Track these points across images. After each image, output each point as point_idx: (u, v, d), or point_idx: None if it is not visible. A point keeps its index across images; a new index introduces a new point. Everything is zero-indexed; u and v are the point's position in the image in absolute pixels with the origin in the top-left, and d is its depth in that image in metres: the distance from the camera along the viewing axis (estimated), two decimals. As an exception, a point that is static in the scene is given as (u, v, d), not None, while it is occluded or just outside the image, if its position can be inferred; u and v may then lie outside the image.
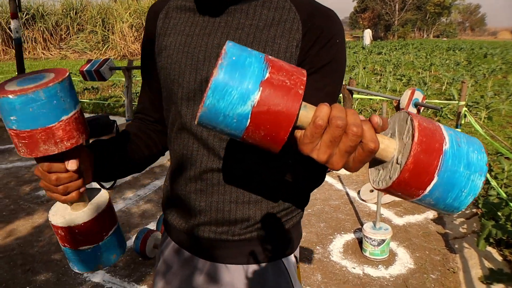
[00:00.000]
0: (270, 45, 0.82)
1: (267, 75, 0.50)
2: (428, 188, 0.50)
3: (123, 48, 20.65)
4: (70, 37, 22.86)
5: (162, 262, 1.05)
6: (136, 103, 1.09)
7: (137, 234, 2.79)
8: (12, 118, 0.63)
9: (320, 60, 0.82)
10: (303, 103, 0.53)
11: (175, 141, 0.94)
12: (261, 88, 0.49)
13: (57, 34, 22.75)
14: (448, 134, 0.52)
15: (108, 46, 21.26)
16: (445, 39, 49.67)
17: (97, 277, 2.63)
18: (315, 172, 0.85)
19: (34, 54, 21.62)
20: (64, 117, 0.67)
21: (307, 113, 0.53)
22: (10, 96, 0.61)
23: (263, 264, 0.94)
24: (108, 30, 21.97)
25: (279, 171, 0.89)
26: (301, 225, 1.03)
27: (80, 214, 0.78)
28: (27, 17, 21.44)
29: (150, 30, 0.96)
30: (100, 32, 21.90)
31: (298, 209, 0.98)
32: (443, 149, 0.49)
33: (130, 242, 3.02)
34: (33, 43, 21.88)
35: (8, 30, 21.22)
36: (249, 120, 0.50)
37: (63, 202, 0.77)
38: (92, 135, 3.83)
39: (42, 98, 0.63)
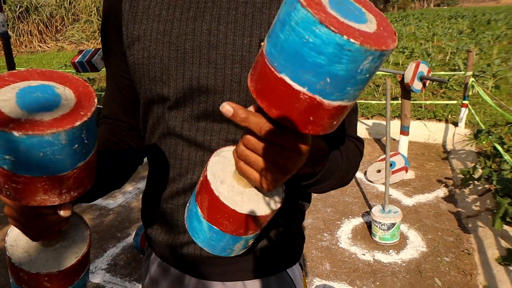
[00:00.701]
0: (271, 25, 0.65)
1: None
2: None
3: (120, 36, 20.40)
4: (66, 28, 22.57)
5: (149, 280, 0.93)
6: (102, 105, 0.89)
7: (137, 230, 2.70)
8: (7, 157, 0.44)
9: None
10: None
11: (157, 149, 0.78)
12: None
13: (52, 25, 22.43)
14: None
15: (104, 35, 21.01)
16: (446, 7, 48.67)
17: (97, 277, 2.53)
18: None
19: (30, 47, 21.38)
20: (81, 163, 0.49)
21: None
22: (15, 133, 0.42)
23: (265, 278, 0.82)
24: (103, 18, 21.70)
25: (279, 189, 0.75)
26: (303, 227, 0.90)
27: (51, 256, 0.62)
28: (20, 10, 21.13)
29: (114, 15, 0.76)
30: (95, 21, 21.57)
31: (300, 211, 0.85)
32: None
33: (130, 239, 2.92)
34: (29, 36, 21.61)
35: None
36: None
37: (34, 240, 0.61)
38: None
39: (62, 141, 0.44)
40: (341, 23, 0.39)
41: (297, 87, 0.41)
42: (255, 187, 0.56)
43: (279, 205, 0.57)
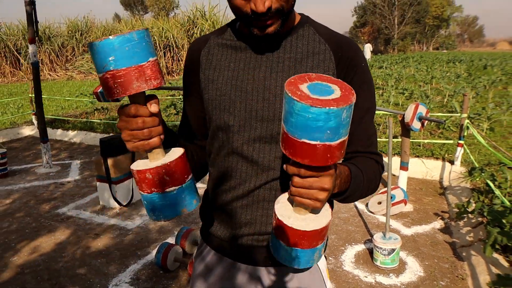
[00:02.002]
0: (312, 70, 0.97)
1: None
2: None
3: (128, 68, 20.97)
4: (76, 58, 23.27)
5: (204, 267, 1.18)
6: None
7: (158, 248, 2.92)
8: (110, 59, 0.71)
9: (354, 85, 0.92)
10: None
11: (222, 164, 1.05)
12: None
13: (63, 55, 23.16)
14: None
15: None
16: (445, 51, 50.09)
17: (121, 290, 2.75)
18: None
19: (41, 75, 21.95)
20: (151, 59, 0.75)
21: None
22: (110, 37, 0.71)
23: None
24: (113, 51, 22.35)
25: None
26: None
27: (164, 158, 0.83)
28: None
29: (194, 65, 1.07)
30: (105, 53, 22.24)
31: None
32: None
33: (151, 256, 3.15)
34: (40, 65, 22.29)
35: (15, 53, 21.63)
36: None
37: (147, 147, 0.81)
38: (110, 154, 3.99)
39: (135, 38, 0.73)
40: (321, 100, 0.70)
41: (313, 142, 0.71)
42: (311, 211, 0.84)
43: (330, 217, 0.84)
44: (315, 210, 0.84)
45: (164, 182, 0.81)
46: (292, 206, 0.85)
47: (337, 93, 0.73)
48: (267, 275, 1.08)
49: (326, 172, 0.77)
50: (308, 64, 0.97)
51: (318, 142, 0.71)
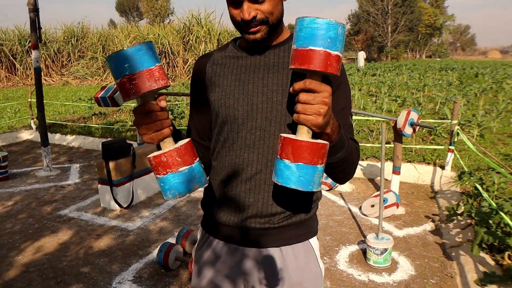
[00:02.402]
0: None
1: None
2: None
3: (124, 74, 21.06)
4: (71, 63, 23.33)
5: (209, 256, 1.30)
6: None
7: (160, 247, 3.03)
8: (126, 65, 0.91)
9: (335, 84, 1.14)
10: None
11: (227, 154, 1.21)
12: None
13: (58, 60, 23.21)
14: None
15: (108, 72, 21.68)
16: (438, 59, 50.67)
17: (125, 287, 2.86)
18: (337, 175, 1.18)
19: (35, 80, 21.99)
20: (158, 64, 0.95)
21: None
22: (125, 48, 0.92)
23: (296, 245, 1.24)
24: (108, 56, 22.43)
25: None
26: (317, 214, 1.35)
27: (175, 145, 1.01)
28: (29, 44, 21.91)
29: (200, 76, 1.26)
30: (100, 59, 22.37)
31: (316, 202, 1.29)
32: None
33: (152, 256, 3.26)
34: (35, 70, 22.27)
35: (11, 58, 21.64)
36: None
37: (160, 136, 1.00)
38: (111, 158, 4.10)
39: (143, 48, 0.93)
40: (323, 18, 0.90)
41: (317, 48, 0.89)
42: (312, 137, 0.97)
43: (327, 143, 0.97)
44: (315, 135, 0.99)
45: (176, 163, 0.98)
46: (296, 134, 0.98)
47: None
48: (270, 257, 1.22)
49: (326, 87, 0.93)
50: (285, 70, 1.18)
51: (321, 48, 0.89)
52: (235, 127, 1.18)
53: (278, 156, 0.98)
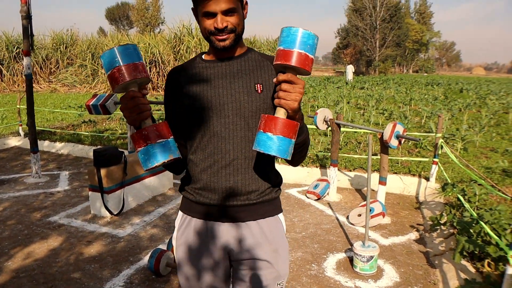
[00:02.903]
0: (260, 76, 1.43)
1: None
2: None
3: (113, 82, 21.02)
4: (60, 70, 23.22)
5: (193, 231, 1.48)
6: None
7: (151, 253, 3.08)
8: (116, 59, 1.18)
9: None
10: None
11: (207, 146, 1.41)
12: None
13: (46, 67, 23.08)
14: None
15: (98, 80, 21.63)
16: (425, 74, 51.57)
17: (116, 292, 2.89)
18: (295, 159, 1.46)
19: (23, 87, 21.81)
20: (141, 61, 1.23)
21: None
22: (115, 47, 1.19)
23: (269, 219, 1.48)
24: (97, 64, 22.40)
25: (275, 171, 1.52)
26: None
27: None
28: (17, 50, 21.81)
29: (174, 83, 1.46)
30: (89, 66, 22.31)
31: (280, 184, 1.56)
32: None
33: (143, 262, 3.30)
34: (23, 76, 22.09)
35: (-2, 64, 21.46)
36: None
37: (142, 117, 1.23)
38: (103, 165, 4.14)
39: (130, 48, 1.21)
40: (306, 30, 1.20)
41: (301, 51, 1.17)
42: (287, 117, 1.23)
43: (299, 123, 1.24)
44: (290, 115, 1.25)
45: (155, 136, 1.21)
46: (274, 114, 1.24)
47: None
48: (246, 228, 1.44)
49: (301, 82, 1.21)
50: (259, 71, 1.44)
51: (302, 51, 1.18)
52: (211, 124, 1.39)
53: (261, 130, 1.20)
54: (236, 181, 1.40)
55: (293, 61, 1.17)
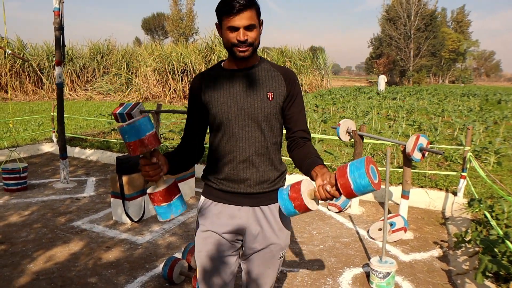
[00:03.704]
0: (272, 86, 1.66)
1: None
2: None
3: (146, 91, 21.55)
4: (96, 79, 24.03)
5: (215, 210, 1.73)
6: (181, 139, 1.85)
7: (166, 261, 3.10)
8: (126, 136, 1.36)
9: (295, 92, 1.71)
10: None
11: (226, 144, 1.66)
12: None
13: (83, 76, 23.94)
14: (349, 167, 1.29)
15: (131, 89, 22.22)
16: (461, 84, 50.05)
17: (129, 299, 2.92)
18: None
19: (61, 94, 22.65)
20: (147, 134, 1.38)
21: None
22: (124, 125, 1.35)
23: (277, 203, 1.70)
24: (132, 73, 23.04)
25: (281, 166, 1.77)
26: None
27: (164, 184, 1.51)
28: (57, 60, 22.64)
29: (196, 91, 1.71)
30: (124, 75, 22.99)
31: (286, 172, 1.82)
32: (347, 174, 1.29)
33: (158, 269, 3.32)
34: (61, 85, 22.95)
35: (39, 72, 22.44)
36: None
37: (154, 180, 1.48)
38: (125, 172, 4.22)
39: (136, 124, 1.36)
40: (375, 183, 1.27)
41: (357, 193, 1.27)
42: (315, 200, 1.41)
43: (317, 207, 1.43)
44: (316, 201, 1.43)
45: (159, 200, 1.49)
46: (307, 195, 1.39)
47: (377, 179, 1.30)
48: (259, 211, 1.72)
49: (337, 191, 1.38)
50: (270, 81, 1.67)
51: (357, 193, 1.28)
52: (230, 126, 1.64)
53: (288, 193, 1.42)
54: (251, 174, 1.67)
55: (346, 192, 1.29)
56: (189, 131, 1.78)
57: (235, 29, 1.55)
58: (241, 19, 1.52)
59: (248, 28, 1.55)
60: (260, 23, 1.63)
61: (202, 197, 1.80)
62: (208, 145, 1.82)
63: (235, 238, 1.73)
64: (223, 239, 1.71)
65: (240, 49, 1.57)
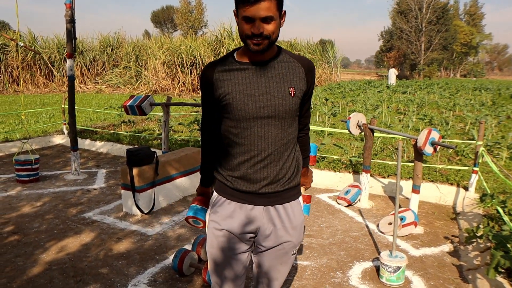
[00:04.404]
0: (293, 81, 1.58)
1: None
2: None
3: (155, 84, 21.60)
4: (105, 72, 24.14)
5: (228, 207, 1.68)
6: (201, 130, 1.83)
7: (176, 252, 3.12)
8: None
9: (312, 82, 1.65)
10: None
11: (243, 143, 1.58)
12: None
13: (93, 69, 24.06)
14: None
15: (140, 82, 22.29)
16: (473, 78, 49.40)
17: (140, 290, 2.95)
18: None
19: (71, 87, 22.81)
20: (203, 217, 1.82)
21: None
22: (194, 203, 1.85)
23: (293, 201, 1.72)
24: (141, 66, 23.10)
25: (297, 155, 1.73)
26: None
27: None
28: (67, 53, 22.75)
29: (208, 85, 1.60)
30: (133, 68, 23.06)
31: (301, 165, 1.78)
32: None
33: (168, 261, 3.35)
34: (71, 77, 23.08)
35: (50, 65, 22.59)
36: None
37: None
38: (135, 164, 4.24)
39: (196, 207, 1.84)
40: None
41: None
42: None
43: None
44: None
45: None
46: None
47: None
48: (273, 211, 1.68)
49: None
50: (291, 75, 1.58)
51: None
52: (248, 124, 1.55)
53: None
54: (269, 173, 1.61)
55: None
56: (210, 127, 1.71)
57: (250, 20, 1.42)
58: (258, 10, 1.39)
59: (265, 20, 1.41)
60: (282, 14, 1.49)
61: (215, 193, 1.74)
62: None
63: (248, 237, 1.70)
64: (236, 238, 1.68)
65: (254, 42, 1.44)
